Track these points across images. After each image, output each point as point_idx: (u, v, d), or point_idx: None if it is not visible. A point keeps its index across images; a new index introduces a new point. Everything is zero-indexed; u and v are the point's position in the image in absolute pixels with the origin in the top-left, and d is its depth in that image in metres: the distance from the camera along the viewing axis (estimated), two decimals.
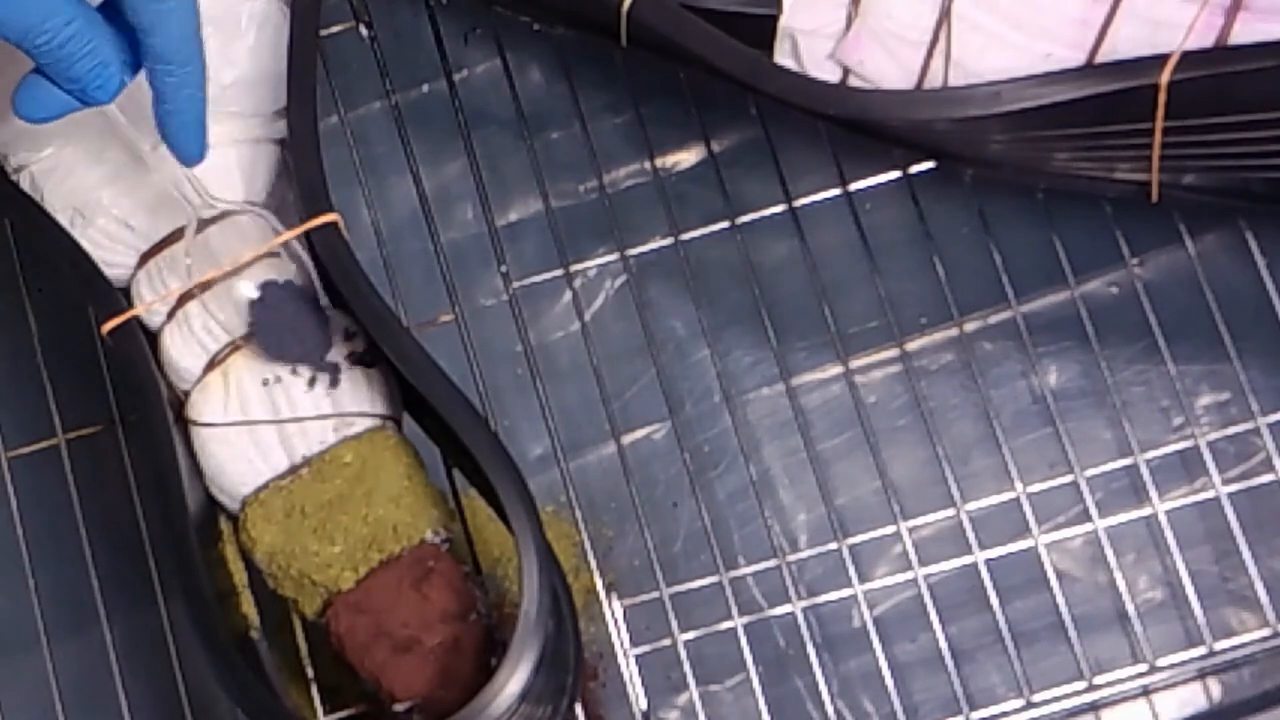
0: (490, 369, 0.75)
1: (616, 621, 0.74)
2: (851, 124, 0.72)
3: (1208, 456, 0.73)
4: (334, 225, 0.67)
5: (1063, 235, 0.75)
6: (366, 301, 0.66)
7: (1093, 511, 0.72)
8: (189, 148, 0.64)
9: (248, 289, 0.68)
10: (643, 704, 0.72)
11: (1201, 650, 0.71)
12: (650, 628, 0.75)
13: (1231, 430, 0.74)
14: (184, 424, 0.69)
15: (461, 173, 0.81)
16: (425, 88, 0.84)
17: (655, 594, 0.74)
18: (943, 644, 0.72)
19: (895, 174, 0.76)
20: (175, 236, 0.70)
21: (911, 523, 0.73)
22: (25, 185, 0.71)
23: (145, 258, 0.70)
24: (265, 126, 0.72)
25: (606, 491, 0.79)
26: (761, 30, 0.71)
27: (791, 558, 0.75)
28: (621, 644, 0.73)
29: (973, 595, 0.73)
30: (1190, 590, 0.71)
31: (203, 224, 0.70)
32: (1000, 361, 0.79)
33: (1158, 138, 0.68)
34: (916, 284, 0.77)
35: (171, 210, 0.70)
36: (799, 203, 0.76)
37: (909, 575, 0.73)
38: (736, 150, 0.80)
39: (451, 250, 0.78)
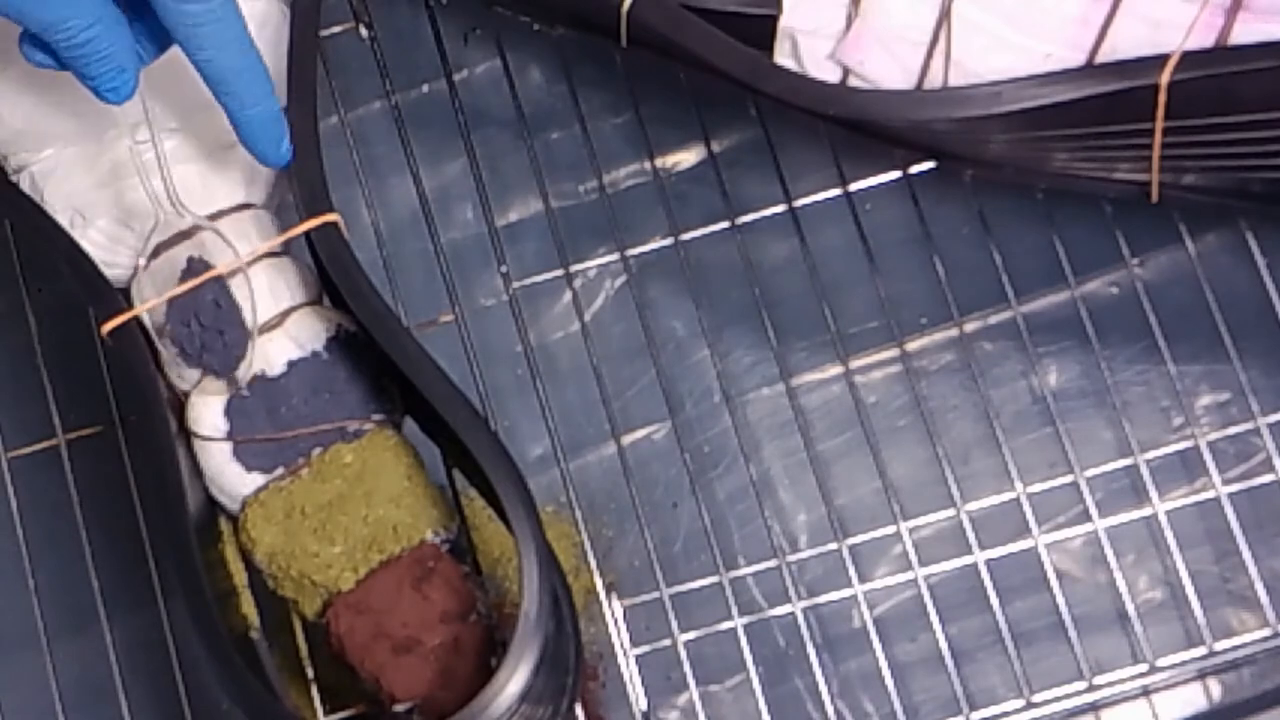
0: (490, 369, 0.75)
1: (616, 621, 0.74)
2: (851, 124, 0.72)
3: (1208, 456, 0.73)
4: (334, 225, 0.67)
5: (1063, 235, 0.75)
6: (366, 301, 0.66)
7: (1093, 511, 0.72)
8: (264, 154, 0.65)
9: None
10: (643, 704, 0.72)
11: (1201, 650, 0.71)
12: (650, 628, 0.75)
13: (1231, 430, 0.74)
14: (184, 429, 0.69)
15: (461, 173, 0.81)
16: (425, 88, 0.84)
17: (655, 594, 0.74)
18: (943, 644, 0.72)
19: (895, 174, 0.76)
20: (175, 237, 0.70)
21: (911, 523, 0.73)
22: (25, 186, 0.71)
23: (145, 258, 0.70)
24: None
25: (606, 491, 0.79)
26: (761, 30, 0.71)
27: (791, 558, 0.75)
28: (621, 644, 0.73)
29: (973, 595, 0.73)
30: (1190, 590, 0.71)
31: (198, 227, 0.70)
32: (1000, 361, 0.79)
33: (1158, 138, 0.68)
34: (916, 284, 0.77)
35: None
36: (799, 203, 0.76)
37: (909, 575, 0.73)
38: (736, 150, 0.80)
39: (451, 250, 0.78)
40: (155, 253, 0.70)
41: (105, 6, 0.59)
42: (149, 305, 0.69)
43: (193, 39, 0.60)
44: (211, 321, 0.67)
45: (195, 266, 0.68)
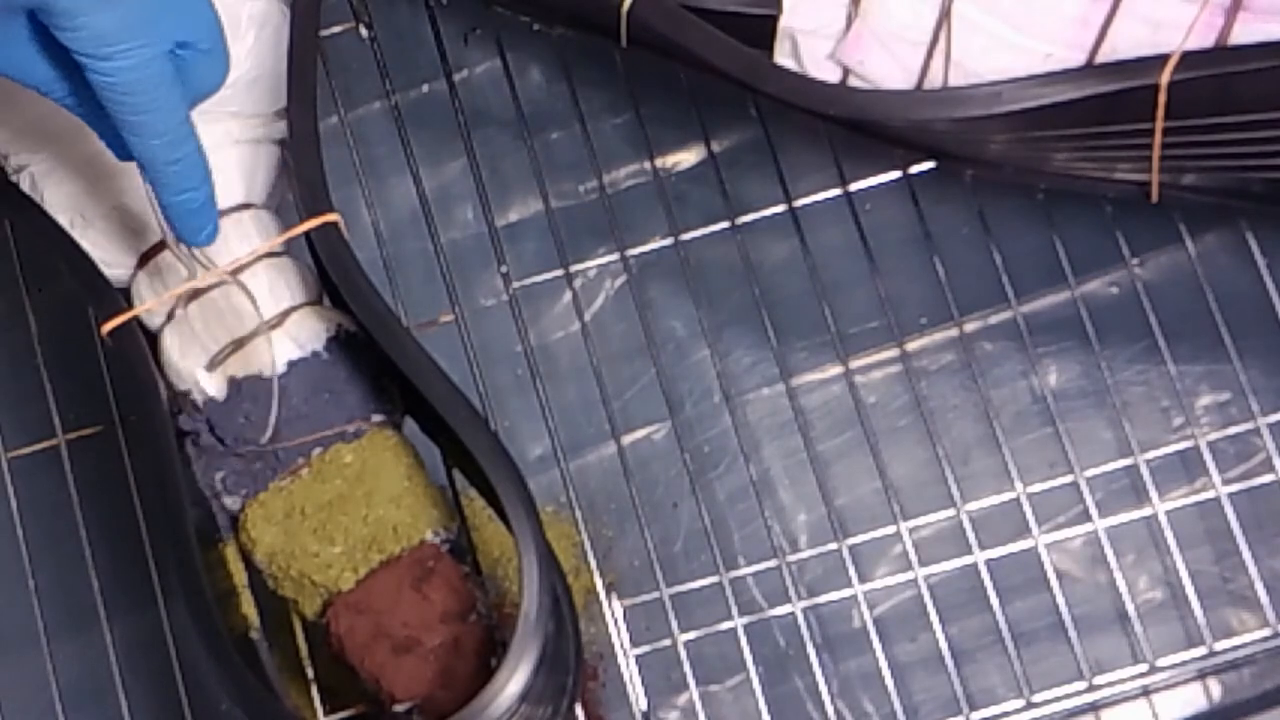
0: (490, 369, 0.75)
1: (616, 621, 0.74)
2: (851, 124, 0.72)
3: (1208, 456, 0.73)
4: (334, 225, 0.67)
5: (1063, 235, 0.75)
6: (366, 301, 0.66)
7: (1093, 511, 0.72)
8: (186, 235, 0.65)
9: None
10: (643, 704, 0.72)
11: (1201, 650, 0.71)
12: (650, 628, 0.75)
13: (1231, 430, 0.74)
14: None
15: (461, 173, 0.81)
16: (425, 88, 0.84)
17: (655, 594, 0.74)
18: (943, 644, 0.72)
19: (895, 174, 0.76)
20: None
21: (911, 523, 0.73)
22: (25, 186, 0.71)
23: (145, 258, 0.70)
24: (265, 126, 0.72)
25: (606, 491, 0.79)
26: (761, 30, 0.71)
27: (791, 558, 0.75)
28: (621, 644, 0.73)
29: (973, 595, 0.73)
30: (1190, 590, 0.71)
31: None
32: (1000, 361, 0.79)
33: (1158, 138, 0.68)
34: (916, 284, 0.77)
35: None
36: (799, 203, 0.76)
37: (909, 575, 0.73)
38: (736, 150, 0.80)
39: (451, 250, 0.78)
40: (156, 249, 0.70)
41: (81, 86, 0.60)
42: (148, 306, 0.69)
43: (126, 126, 0.60)
44: (233, 442, 0.67)
45: (245, 386, 0.68)
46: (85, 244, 0.70)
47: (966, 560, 0.73)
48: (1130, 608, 0.72)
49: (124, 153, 0.62)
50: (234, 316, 0.68)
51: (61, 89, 0.60)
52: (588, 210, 0.81)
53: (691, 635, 0.73)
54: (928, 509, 0.74)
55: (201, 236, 0.65)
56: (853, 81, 0.71)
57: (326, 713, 0.71)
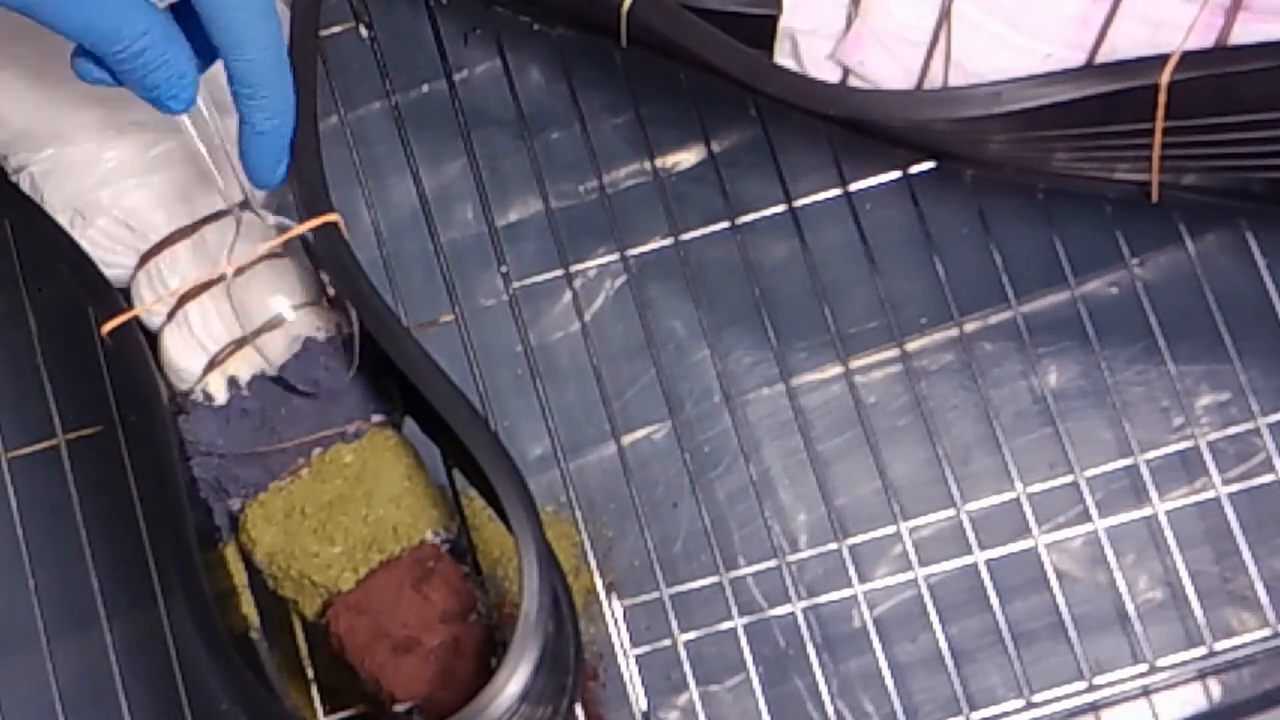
0: (490, 369, 0.75)
1: (616, 621, 0.74)
2: (851, 124, 0.72)
3: (1208, 456, 0.73)
4: (334, 225, 0.67)
5: (1063, 235, 0.75)
6: (366, 301, 0.66)
7: (1093, 511, 0.72)
8: (264, 173, 0.64)
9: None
10: (643, 704, 0.72)
11: (1201, 650, 0.71)
12: (650, 628, 0.75)
13: (1231, 430, 0.74)
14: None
15: (461, 173, 0.81)
16: (425, 88, 0.84)
17: (655, 594, 0.74)
18: (943, 644, 0.72)
19: (895, 174, 0.76)
20: (175, 237, 0.70)
21: (911, 523, 0.73)
22: (25, 186, 0.71)
23: (145, 258, 0.70)
24: None
25: (606, 491, 0.79)
26: (761, 30, 0.71)
27: (791, 558, 0.75)
28: (621, 644, 0.73)
29: (973, 595, 0.73)
30: (1190, 590, 0.71)
31: (200, 223, 0.70)
32: (1000, 361, 0.79)
33: (1158, 138, 0.68)
34: (916, 284, 0.77)
35: (171, 211, 0.70)
36: (799, 203, 0.76)
37: (909, 575, 0.73)
38: (736, 150, 0.80)
39: (451, 250, 0.78)
40: (156, 248, 0.70)
41: (153, 14, 0.59)
42: (148, 306, 0.69)
43: (240, 40, 0.59)
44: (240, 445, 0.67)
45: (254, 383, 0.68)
46: (85, 244, 0.70)
47: (966, 560, 0.73)
48: (1130, 608, 0.72)
49: (185, 98, 0.61)
50: (233, 316, 0.68)
51: (140, 26, 0.59)
52: (588, 210, 0.81)
53: (691, 635, 0.73)
54: (928, 509, 0.74)
55: (276, 176, 0.65)
56: (853, 81, 0.71)
57: (326, 713, 0.71)
